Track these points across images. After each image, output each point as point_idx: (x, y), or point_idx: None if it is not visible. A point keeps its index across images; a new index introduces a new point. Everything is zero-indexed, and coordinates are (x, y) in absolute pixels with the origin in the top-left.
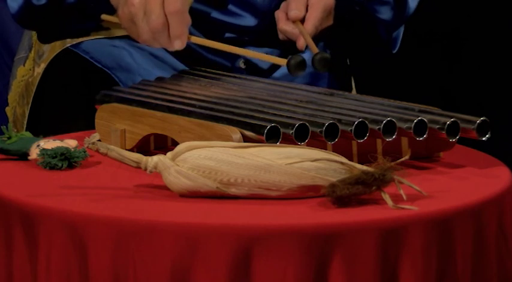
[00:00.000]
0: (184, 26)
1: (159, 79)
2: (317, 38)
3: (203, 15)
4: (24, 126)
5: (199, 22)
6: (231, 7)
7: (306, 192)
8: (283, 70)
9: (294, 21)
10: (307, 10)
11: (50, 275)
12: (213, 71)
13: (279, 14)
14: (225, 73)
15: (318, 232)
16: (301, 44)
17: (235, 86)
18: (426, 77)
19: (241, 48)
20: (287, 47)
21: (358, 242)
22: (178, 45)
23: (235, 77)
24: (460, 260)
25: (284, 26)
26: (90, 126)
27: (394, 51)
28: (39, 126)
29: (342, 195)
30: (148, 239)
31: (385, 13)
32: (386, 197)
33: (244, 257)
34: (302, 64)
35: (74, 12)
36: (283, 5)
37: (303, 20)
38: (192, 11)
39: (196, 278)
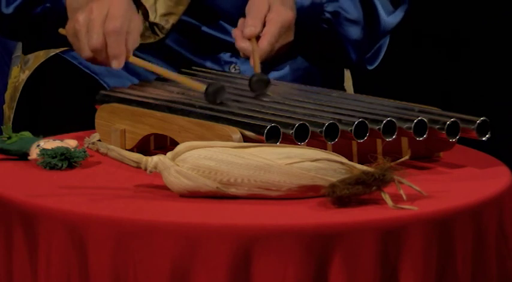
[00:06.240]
0: (122, 46)
1: (159, 79)
2: (277, 54)
3: (194, 29)
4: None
5: (191, 36)
6: (223, 24)
7: (306, 192)
8: (280, 72)
9: (249, 39)
10: (265, 26)
11: (50, 275)
12: (213, 71)
13: (236, 32)
14: (224, 73)
15: (318, 232)
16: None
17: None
18: (426, 77)
19: (175, 74)
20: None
21: (358, 242)
22: (115, 64)
23: (234, 77)
24: (460, 260)
25: (241, 44)
26: (78, 130)
27: (372, 68)
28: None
29: (342, 195)
30: (148, 239)
31: (354, 33)
32: (386, 197)
33: (244, 257)
34: (221, 91)
35: (43, 23)
36: (240, 22)
37: (259, 37)
38: (184, 24)
39: (196, 278)
